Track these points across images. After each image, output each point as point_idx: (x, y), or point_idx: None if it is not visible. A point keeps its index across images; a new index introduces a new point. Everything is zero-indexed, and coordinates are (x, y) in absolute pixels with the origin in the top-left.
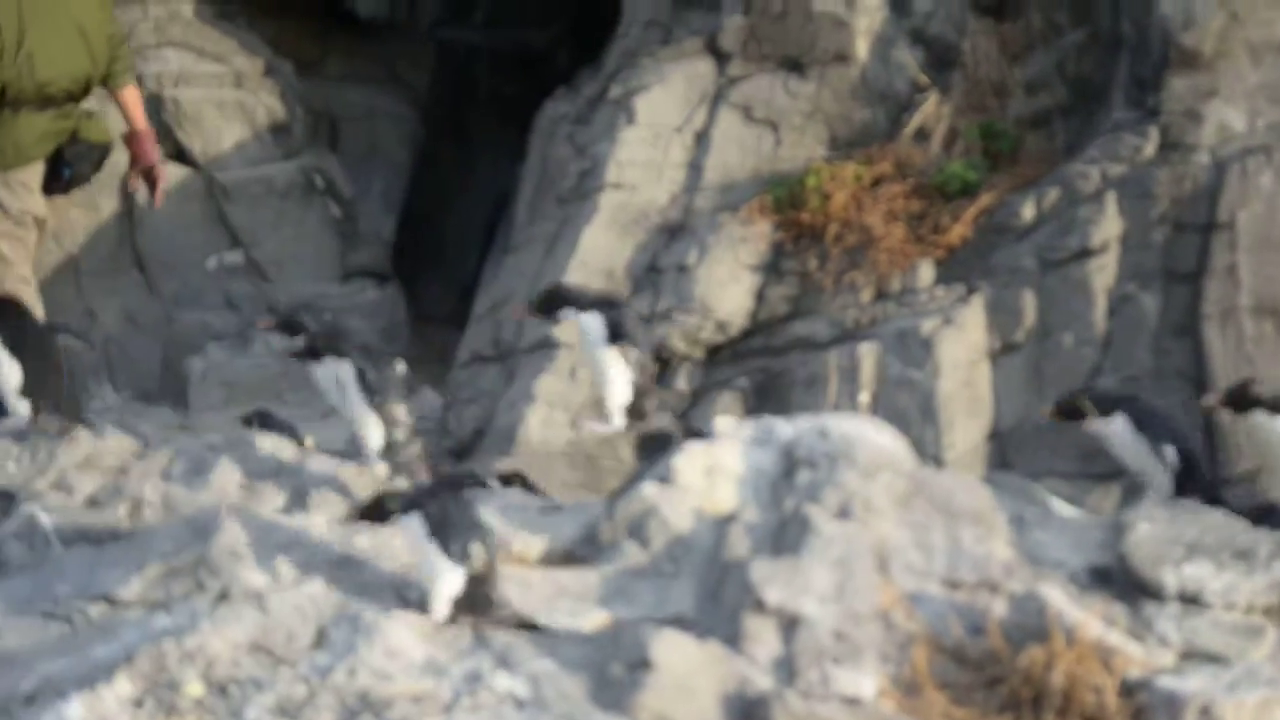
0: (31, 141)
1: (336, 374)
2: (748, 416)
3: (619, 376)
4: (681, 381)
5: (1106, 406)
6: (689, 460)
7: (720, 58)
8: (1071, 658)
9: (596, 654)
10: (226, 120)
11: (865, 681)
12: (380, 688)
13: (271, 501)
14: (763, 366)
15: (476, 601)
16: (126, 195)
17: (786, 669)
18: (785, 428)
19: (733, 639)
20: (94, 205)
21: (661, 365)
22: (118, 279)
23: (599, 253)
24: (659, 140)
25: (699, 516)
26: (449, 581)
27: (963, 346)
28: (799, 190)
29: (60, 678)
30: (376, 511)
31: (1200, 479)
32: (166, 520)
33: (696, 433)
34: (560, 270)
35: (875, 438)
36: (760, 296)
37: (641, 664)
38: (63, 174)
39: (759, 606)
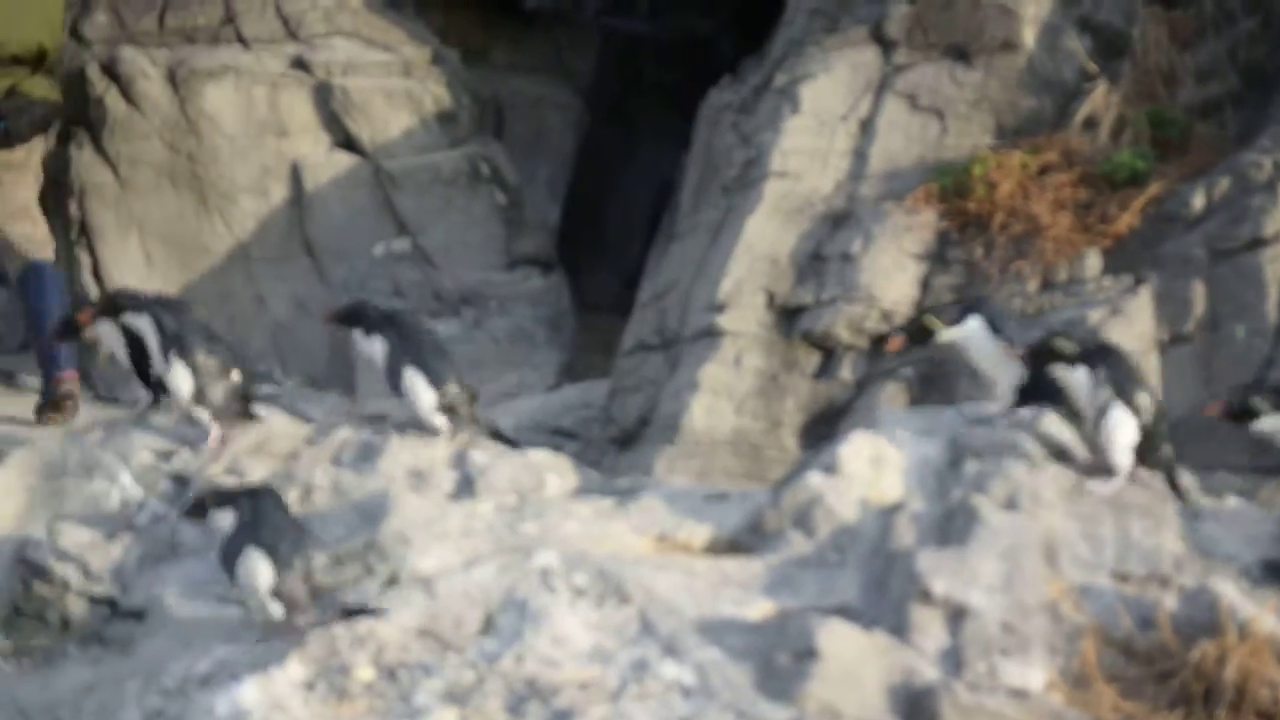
0: None
1: (137, 327)
2: (912, 406)
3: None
4: (846, 371)
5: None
6: (854, 449)
7: (886, 46)
8: (1245, 653)
9: (762, 643)
10: (394, 109)
11: (1033, 674)
12: (547, 674)
13: (440, 487)
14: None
15: (296, 599)
16: (297, 182)
17: (953, 660)
18: (951, 417)
19: (899, 629)
20: (264, 192)
21: (825, 354)
22: (287, 266)
23: (763, 241)
24: (824, 128)
25: (864, 506)
26: (262, 576)
27: (1130, 337)
28: (965, 179)
29: (234, 661)
30: (197, 509)
31: None
32: (336, 505)
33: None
34: (725, 258)
35: (1043, 428)
36: (925, 285)
37: (808, 653)
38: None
39: (925, 597)
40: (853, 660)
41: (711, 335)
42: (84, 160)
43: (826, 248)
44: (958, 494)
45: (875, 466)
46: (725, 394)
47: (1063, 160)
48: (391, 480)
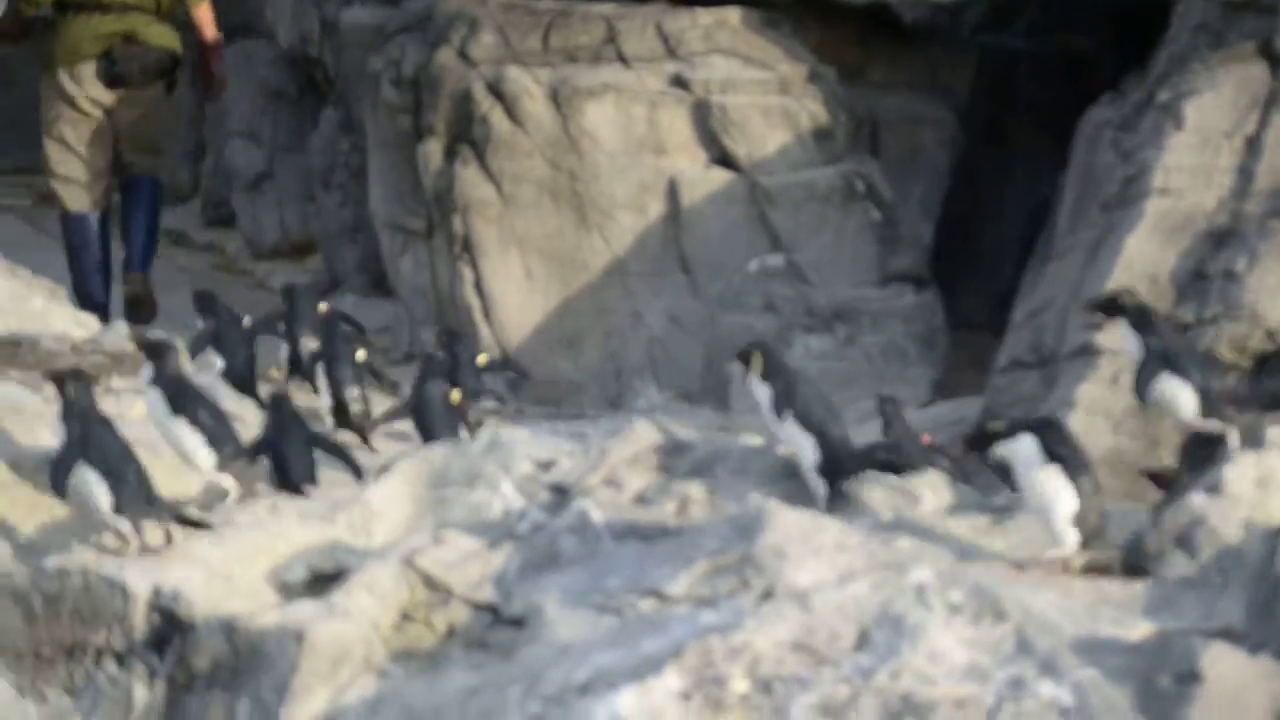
0: (86, 41)
1: None
2: None
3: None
4: None
5: None
6: (1239, 470)
7: (1274, 61)
8: None
9: (1142, 664)
10: (771, 126)
11: None
12: (923, 691)
13: (815, 502)
14: None
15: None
16: (674, 198)
17: None
18: None
19: None
20: (642, 209)
21: None
22: (663, 281)
23: (1143, 259)
24: (1208, 145)
25: (1250, 528)
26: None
27: None
28: None
29: (612, 669)
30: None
31: None
32: (712, 518)
33: None
34: (1103, 276)
35: None
36: None
37: (1190, 676)
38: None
39: None
40: (1237, 685)
41: (1089, 354)
42: (468, 177)
43: (1209, 266)
44: None
45: (1261, 487)
46: (1102, 413)
47: None
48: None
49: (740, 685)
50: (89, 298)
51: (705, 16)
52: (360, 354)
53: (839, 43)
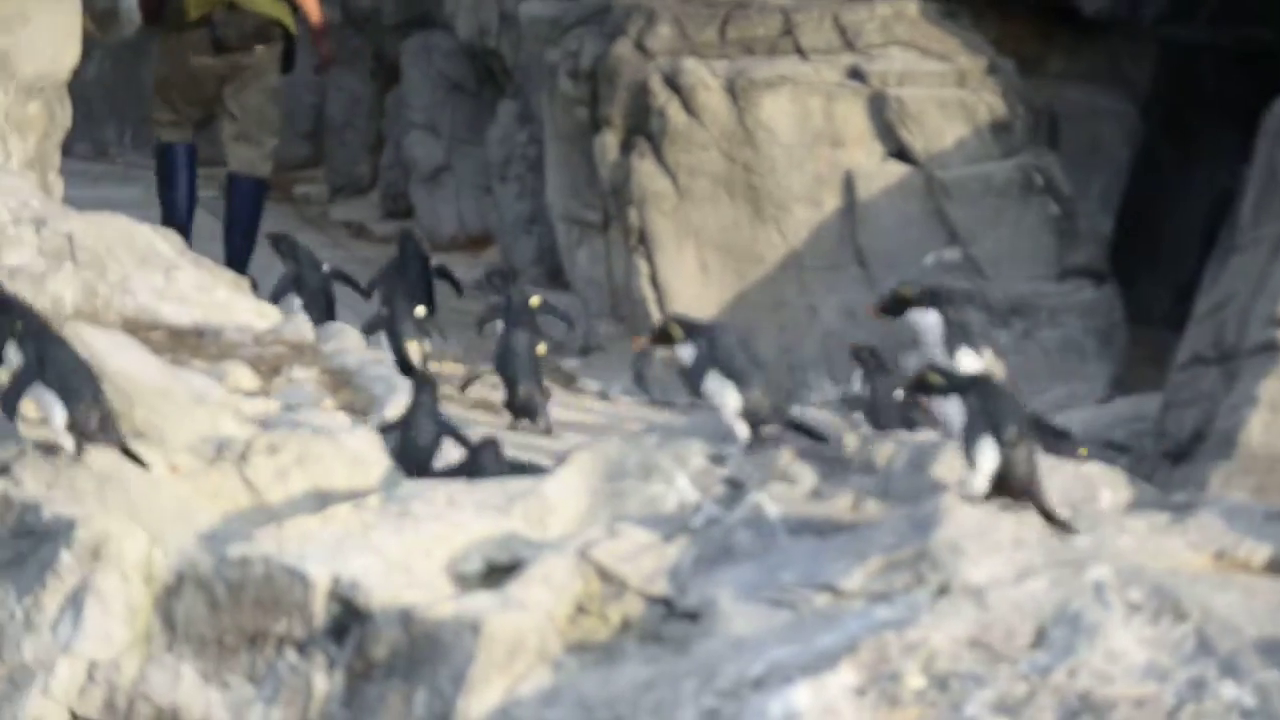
0: (191, 6)
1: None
2: None
3: None
4: None
5: None
6: None
7: None
8: None
9: None
10: (948, 119)
11: None
12: (1101, 690)
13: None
14: None
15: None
16: (849, 191)
17: None
18: None
19: None
20: (817, 202)
21: None
22: (838, 275)
23: None
24: None
25: None
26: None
27: None
28: None
29: (787, 664)
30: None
31: None
32: (888, 513)
33: None
34: None
35: None
36: None
37: None
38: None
39: None
40: None
41: (1271, 350)
42: (645, 170)
43: None
44: None
45: None
46: None
47: None
48: (944, 488)
49: (916, 681)
50: (173, 222)
51: (883, 8)
52: (419, 310)
53: (1018, 34)
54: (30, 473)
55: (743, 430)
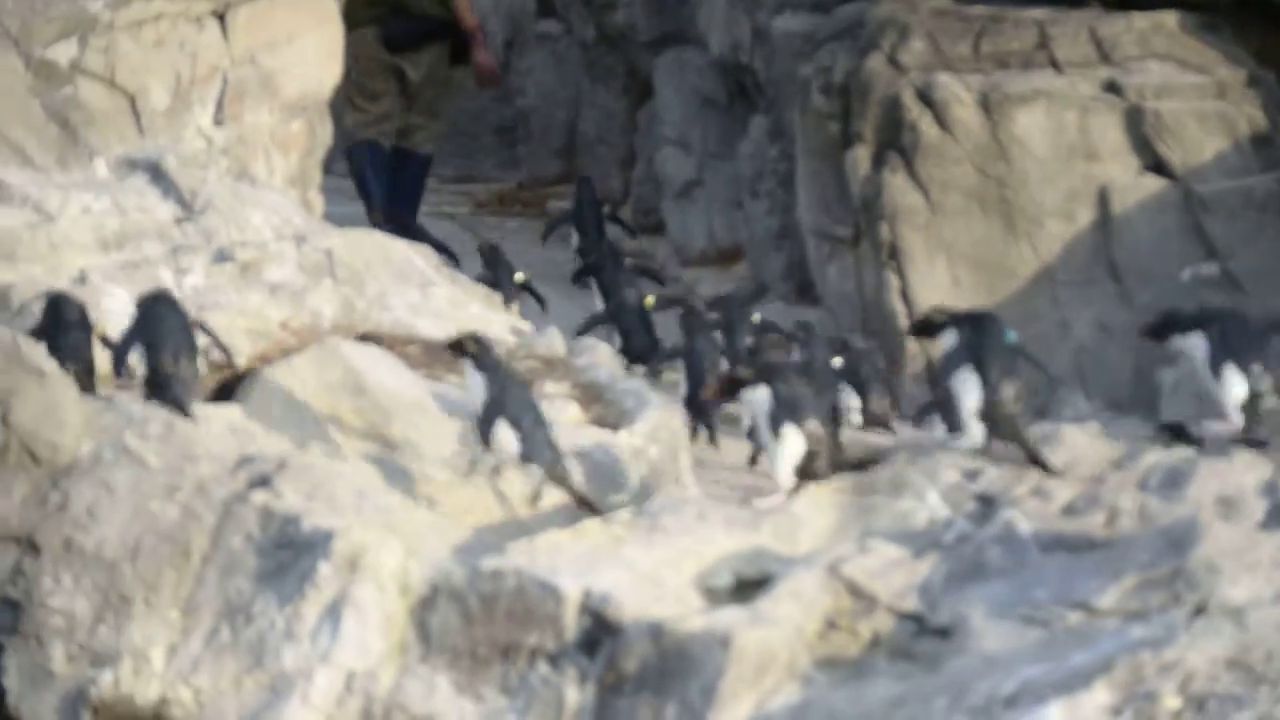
0: (360, 7)
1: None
2: None
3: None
4: None
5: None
6: None
7: None
8: None
9: None
10: (1206, 132)
11: None
12: None
13: (1250, 516)
14: None
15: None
16: (1104, 205)
17: None
18: None
19: None
20: (1070, 216)
21: None
22: (1092, 289)
23: None
24: None
25: None
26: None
27: None
28: None
29: (1039, 682)
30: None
31: None
32: (1143, 530)
33: None
34: None
35: None
36: None
37: None
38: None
39: None
40: None
41: None
42: (896, 184)
43: None
44: None
45: None
46: None
47: None
48: (1200, 507)
49: (1172, 702)
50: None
51: (1141, 20)
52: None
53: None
54: (290, 485)
55: (977, 431)
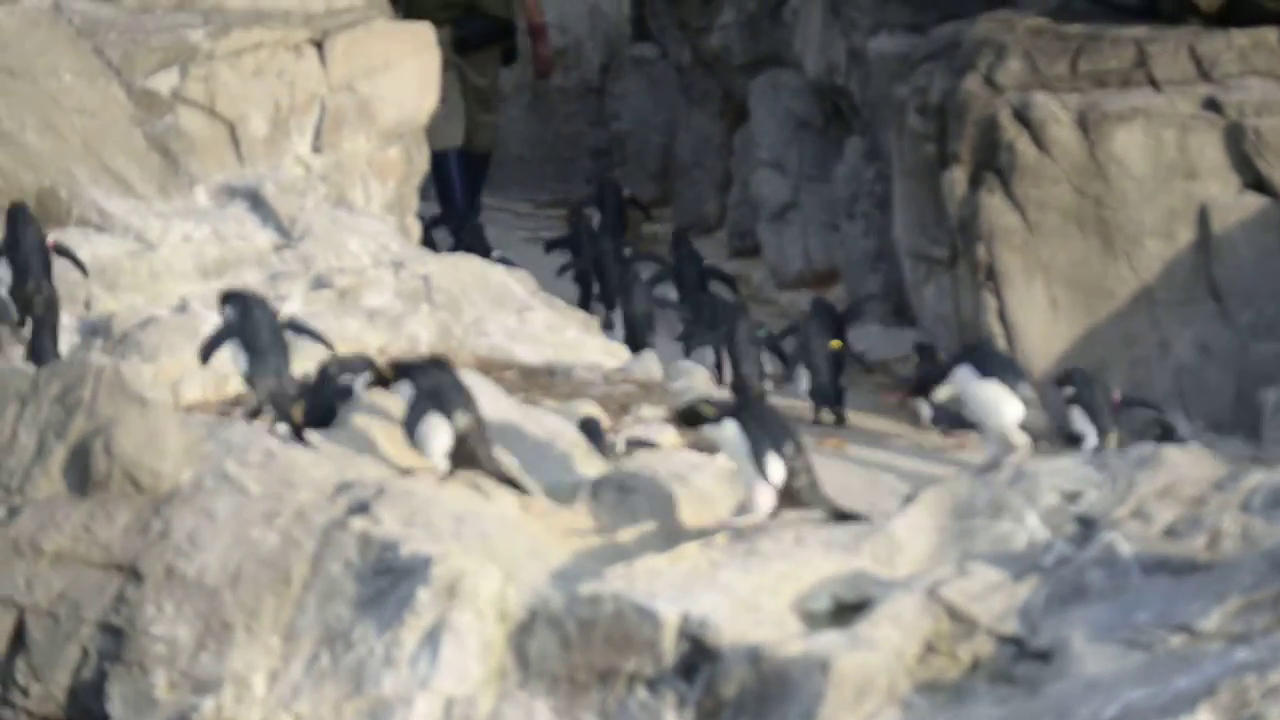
0: (432, 8)
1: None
2: None
3: None
4: None
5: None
6: None
7: None
8: None
9: None
10: None
11: None
12: None
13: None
14: None
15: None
16: (1204, 224)
17: None
18: None
19: None
20: (1170, 235)
21: None
22: (1192, 309)
23: None
24: None
25: None
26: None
27: None
28: None
29: (1141, 706)
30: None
31: None
32: (1246, 552)
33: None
34: None
35: None
36: None
37: None
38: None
39: None
40: None
41: None
42: (994, 205)
43: None
44: None
45: None
46: None
47: None
48: None
49: None
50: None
51: (1240, 37)
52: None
53: None
54: (389, 511)
55: (1021, 438)
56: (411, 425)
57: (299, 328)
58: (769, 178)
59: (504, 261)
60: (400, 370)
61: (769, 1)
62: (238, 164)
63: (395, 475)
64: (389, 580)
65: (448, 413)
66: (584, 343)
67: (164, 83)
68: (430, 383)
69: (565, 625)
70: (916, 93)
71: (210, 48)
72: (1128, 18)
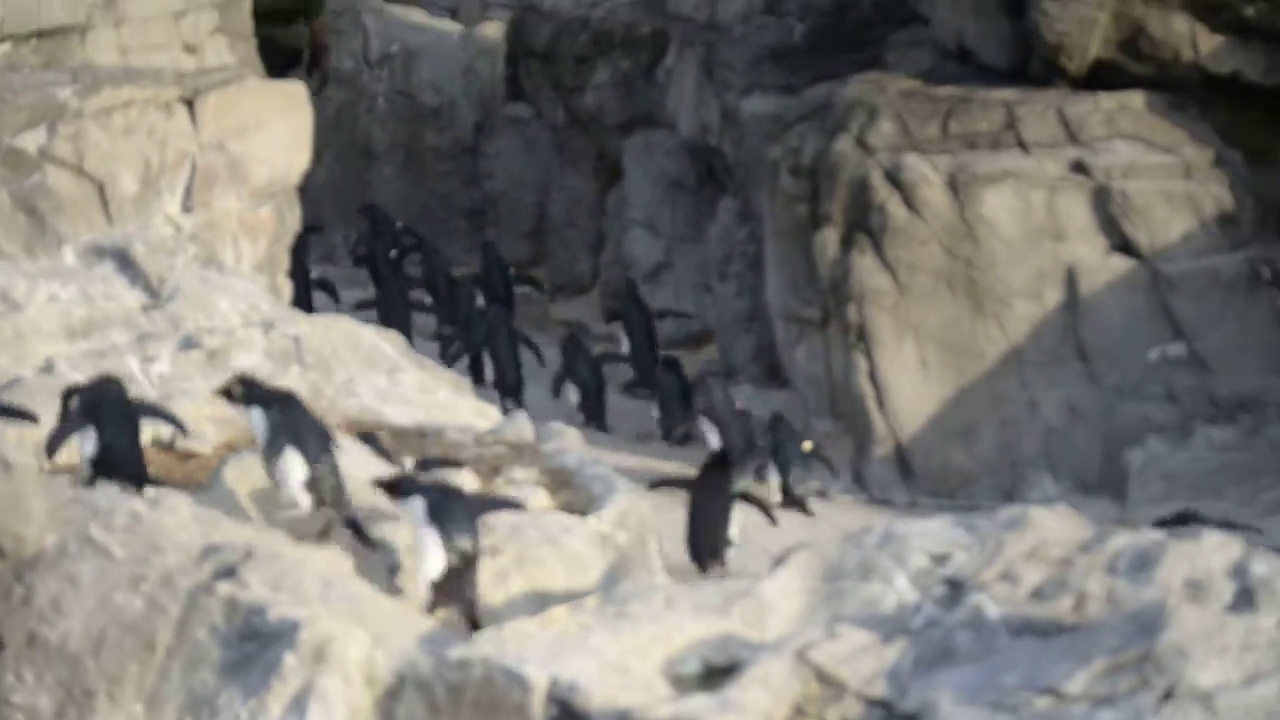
0: None
1: None
2: None
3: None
4: None
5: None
6: None
7: None
8: None
9: None
10: (1173, 211)
11: None
12: None
13: (1219, 599)
14: None
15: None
16: (1072, 285)
17: None
18: None
19: None
20: (1038, 296)
21: None
22: (1059, 370)
23: None
24: None
25: None
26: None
27: None
28: None
29: None
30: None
31: None
32: (1111, 614)
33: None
34: None
35: None
36: None
37: None
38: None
39: None
40: None
41: None
42: (865, 266)
43: None
44: None
45: None
46: None
47: None
48: (1168, 590)
49: None
50: None
51: (1108, 101)
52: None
53: (1246, 125)
54: (256, 575)
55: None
56: (270, 458)
57: (152, 411)
58: (642, 238)
59: (322, 283)
60: (254, 397)
61: (643, 62)
62: (106, 223)
63: (262, 537)
64: (255, 645)
65: (304, 448)
66: (456, 404)
67: (31, 141)
68: (288, 419)
69: (434, 689)
70: (789, 153)
71: (79, 106)
72: (997, 80)
